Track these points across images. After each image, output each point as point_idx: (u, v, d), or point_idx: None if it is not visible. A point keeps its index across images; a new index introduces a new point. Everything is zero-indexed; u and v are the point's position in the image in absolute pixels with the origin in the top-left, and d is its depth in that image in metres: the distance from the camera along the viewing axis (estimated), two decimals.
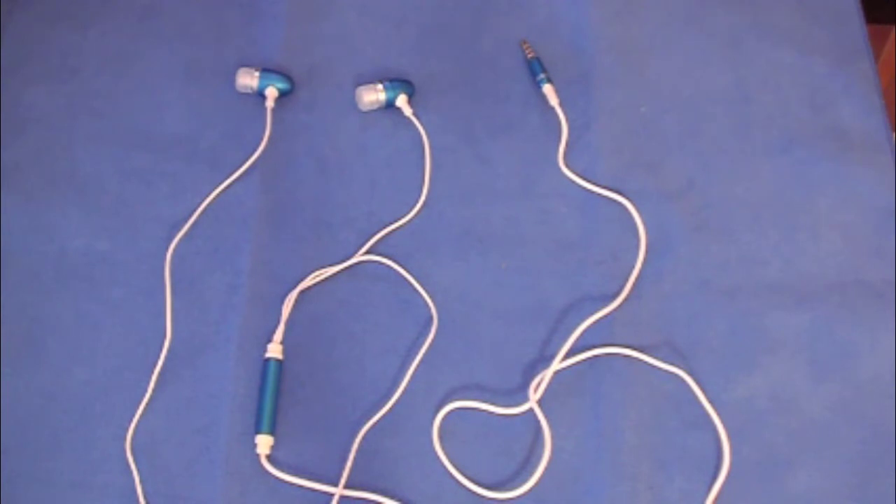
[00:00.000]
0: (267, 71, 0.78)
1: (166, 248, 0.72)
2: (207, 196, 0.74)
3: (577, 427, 0.67)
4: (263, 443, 0.65)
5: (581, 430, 0.67)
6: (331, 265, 0.72)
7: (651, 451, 0.66)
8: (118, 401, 0.67)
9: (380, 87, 0.77)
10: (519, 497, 0.65)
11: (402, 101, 0.78)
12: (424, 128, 0.77)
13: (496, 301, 0.71)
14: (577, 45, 0.81)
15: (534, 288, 0.71)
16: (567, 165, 0.76)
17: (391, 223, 0.74)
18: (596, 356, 0.68)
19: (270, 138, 0.77)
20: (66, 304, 0.70)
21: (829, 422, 0.66)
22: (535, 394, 0.67)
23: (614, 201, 0.74)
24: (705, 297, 0.71)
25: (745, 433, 0.66)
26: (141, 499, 0.64)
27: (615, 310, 0.70)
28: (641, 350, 0.68)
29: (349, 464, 0.65)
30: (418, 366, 0.69)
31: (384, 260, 0.72)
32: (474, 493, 0.65)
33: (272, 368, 0.67)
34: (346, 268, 0.72)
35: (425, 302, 0.71)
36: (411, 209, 0.74)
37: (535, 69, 0.79)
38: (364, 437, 0.66)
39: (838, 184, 0.75)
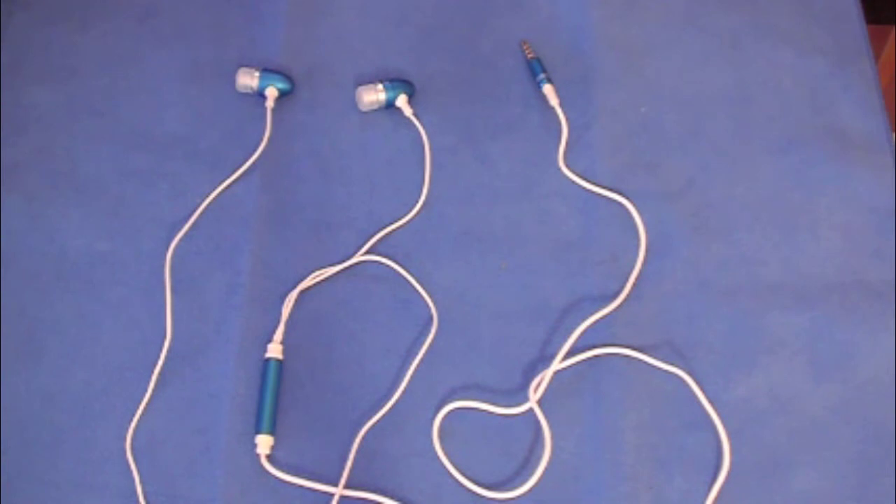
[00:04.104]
0: (267, 71, 0.78)
1: (166, 248, 0.72)
2: (207, 196, 0.74)
3: (577, 427, 0.67)
4: (263, 443, 0.65)
5: (581, 430, 0.67)
6: (331, 265, 0.72)
7: (651, 451, 0.66)
8: (118, 401, 0.67)
9: (380, 87, 0.77)
10: (519, 497, 0.65)
11: (402, 101, 0.78)
12: (424, 128, 0.77)
13: (496, 301, 0.71)
14: (577, 45, 0.81)
15: (534, 288, 0.71)
16: (567, 165, 0.76)
17: (391, 223, 0.74)
18: (596, 356, 0.68)
19: (270, 138, 0.77)
20: (66, 304, 0.70)
21: (829, 422, 0.66)
22: (535, 394, 0.67)
23: (614, 201, 0.74)
24: (705, 297, 0.71)
25: (745, 433, 0.66)
26: (141, 499, 0.64)
27: (615, 310, 0.70)
28: (641, 350, 0.68)
29: (349, 464, 0.65)
30: (418, 366, 0.69)
31: (384, 260, 0.72)
32: (474, 493, 0.65)
33: (272, 368, 0.67)
34: (346, 268, 0.72)
35: (425, 302, 0.71)
36: (411, 209, 0.74)
37: (535, 69, 0.79)
38: (364, 437, 0.66)
39: (838, 184, 0.75)
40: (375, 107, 0.78)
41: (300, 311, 0.71)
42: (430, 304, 0.71)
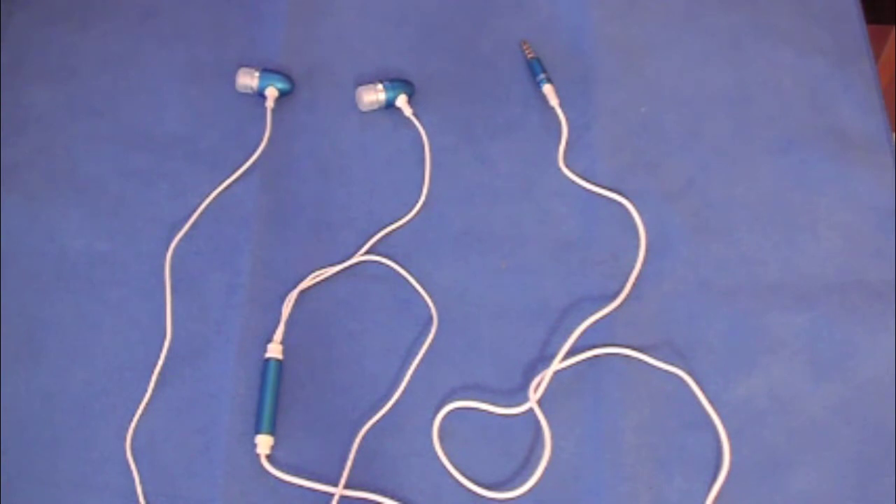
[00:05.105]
0: (267, 71, 0.78)
1: (166, 248, 0.72)
2: (207, 196, 0.74)
3: (577, 427, 0.67)
4: (263, 443, 0.65)
5: (581, 430, 0.67)
6: (331, 265, 0.72)
7: (651, 451, 0.66)
8: (118, 401, 0.67)
9: (380, 87, 0.77)
10: (519, 497, 0.65)
11: (402, 101, 0.78)
12: (424, 128, 0.77)
13: (496, 301, 0.71)
14: (577, 45, 0.81)
15: (534, 288, 0.71)
16: (567, 165, 0.76)
17: (391, 223, 0.74)
18: (596, 356, 0.68)
19: (270, 138, 0.77)
20: (66, 304, 0.70)
21: (829, 422, 0.66)
22: (535, 394, 0.67)
23: (614, 201, 0.74)
24: (705, 297, 0.71)
25: (745, 433, 0.66)
26: (141, 499, 0.64)
27: (615, 310, 0.70)
28: (641, 350, 0.68)
29: (349, 464, 0.65)
30: (418, 366, 0.69)
31: (384, 260, 0.72)
32: (474, 493, 0.65)
33: (272, 368, 0.67)
34: (346, 268, 0.72)
35: (425, 302, 0.71)
36: (411, 209, 0.74)
37: (535, 69, 0.79)
38: (364, 437, 0.66)
39: (838, 184, 0.75)
40: (375, 107, 0.78)
41: (300, 311, 0.71)
42: (430, 304, 0.71)
